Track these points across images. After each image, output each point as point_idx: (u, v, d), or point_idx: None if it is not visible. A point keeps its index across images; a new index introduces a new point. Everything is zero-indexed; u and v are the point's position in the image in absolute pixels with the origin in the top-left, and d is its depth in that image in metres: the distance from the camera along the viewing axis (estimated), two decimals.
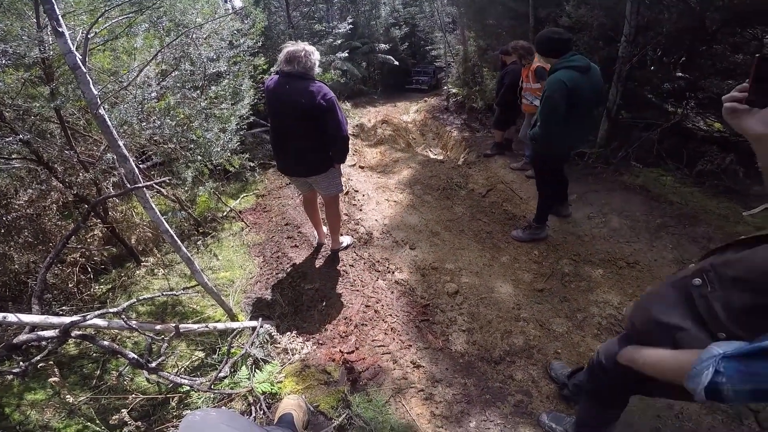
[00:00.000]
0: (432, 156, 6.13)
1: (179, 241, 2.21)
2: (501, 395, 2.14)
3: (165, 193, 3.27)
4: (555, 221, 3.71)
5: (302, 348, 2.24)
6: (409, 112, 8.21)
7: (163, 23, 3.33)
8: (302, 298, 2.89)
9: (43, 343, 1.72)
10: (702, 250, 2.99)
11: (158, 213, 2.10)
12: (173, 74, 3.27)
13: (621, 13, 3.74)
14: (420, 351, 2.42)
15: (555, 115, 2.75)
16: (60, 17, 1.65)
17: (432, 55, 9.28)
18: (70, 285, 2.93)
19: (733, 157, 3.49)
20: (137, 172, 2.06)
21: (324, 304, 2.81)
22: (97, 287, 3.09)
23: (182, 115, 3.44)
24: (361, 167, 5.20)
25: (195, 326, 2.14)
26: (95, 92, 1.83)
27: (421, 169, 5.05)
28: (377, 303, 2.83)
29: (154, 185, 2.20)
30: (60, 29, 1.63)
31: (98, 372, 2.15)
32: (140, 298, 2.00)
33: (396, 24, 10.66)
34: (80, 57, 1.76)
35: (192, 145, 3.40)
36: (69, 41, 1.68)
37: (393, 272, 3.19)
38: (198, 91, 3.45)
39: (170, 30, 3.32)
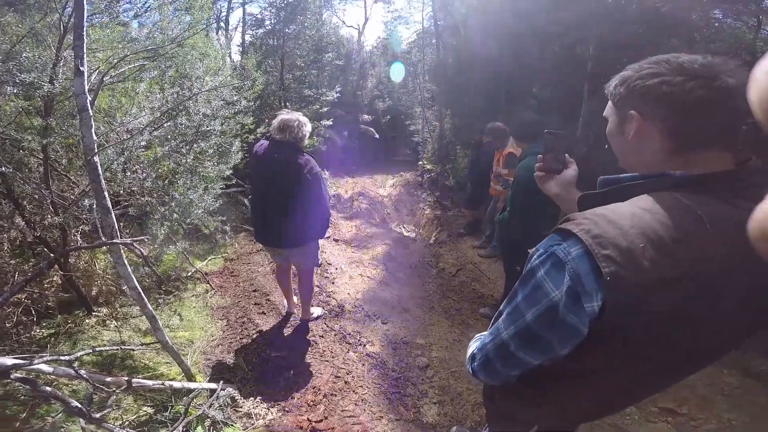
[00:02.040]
0: (405, 233, 6.43)
1: (146, 299, 2.21)
2: None
3: (140, 251, 3.26)
4: None
5: (266, 414, 2.18)
6: (385, 186, 8.71)
7: (168, 72, 3.54)
8: (268, 364, 2.84)
9: None
10: None
11: (129, 270, 2.13)
12: (166, 124, 3.42)
13: (580, 95, 4.24)
14: (391, 422, 2.40)
15: (525, 202, 2.98)
16: (84, 56, 1.78)
17: (411, 129, 9.88)
18: (8, 324, 2.76)
19: None
20: (116, 227, 2.10)
21: (291, 372, 2.77)
22: (38, 330, 2.91)
23: (166, 169, 3.57)
24: (336, 240, 5.38)
25: (150, 382, 2.08)
26: (94, 138, 1.95)
27: (395, 246, 5.30)
28: (348, 374, 2.82)
29: (134, 244, 2.22)
30: (81, 68, 1.75)
31: (24, 415, 1.98)
32: (96, 348, 1.96)
33: (380, 96, 11.48)
34: (90, 99, 1.91)
35: (172, 203, 3.49)
36: (86, 82, 1.82)
37: (364, 345, 3.22)
38: (187, 147, 3.60)
39: (175, 79, 3.53)
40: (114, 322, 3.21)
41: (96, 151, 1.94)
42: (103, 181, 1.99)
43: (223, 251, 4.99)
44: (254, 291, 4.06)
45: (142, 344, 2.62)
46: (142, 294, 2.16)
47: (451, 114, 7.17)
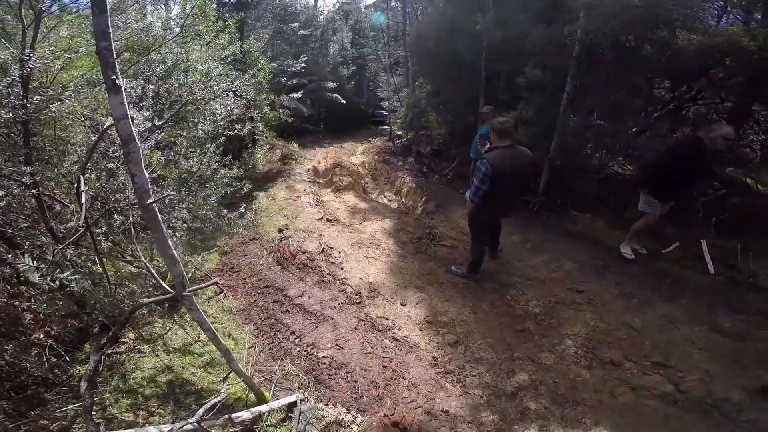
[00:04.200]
0: (386, 202, 6.70)
1: (219, 337, 2.33)
2: (525, 424, 2.64)
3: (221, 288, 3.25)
4: (520, 268, 4.45)
5: (350, 418, 2.50)
6: (356, 153, 8.76)
7: None
8: (319, 366, 3.11)
9: None
10: (639, 285, 3.91)
11: (203, 314, 2.20)
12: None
13: (567, 74, 4.66)
14: (445, 400, 2.83)
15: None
16: (116, 64, 1.45)
17: (379, 96, 9.72)
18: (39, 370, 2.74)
19: None
20: (186, 276, 2.10)
21: (344, 370, 3.07)
22: (75, 368, 2.92)
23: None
24: (329, 221, 5.52)
25: (246, 415, 2.27)
26: (147, 177, 1.69)
27: (388, 221, 5.57)
28: (391, 362, 3.18)
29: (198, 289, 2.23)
30: (119, 82, 1.45)
31: None
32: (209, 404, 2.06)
33: (344, 63, 11.23)
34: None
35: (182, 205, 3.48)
36: (125, 101, 1.51)
37: (392, 330, 3.57)
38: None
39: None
40: (145, 345, 3.28)
41: (154, 199, 1.72)
42: (164, 227, 1.89)
43: (215, 244, 4.95)
44: (266, 287, 4.21)
45: (224, 379, 2.71)
46: (216, 333, 2.29)
47: (423, 82, 7.18)
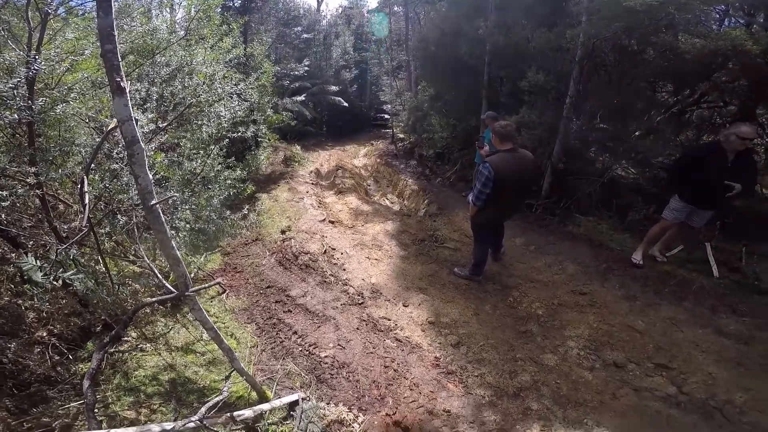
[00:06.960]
0: (389, 204, 6.72)
1: (222, 336, 2.34)
2: (527, 424, 2.64)
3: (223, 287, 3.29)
4: (523, 270, 4.46)
5: (351, 417, 2.50)
6: (358, 156, 8.82)
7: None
8: (321, 366, 3.12)
9: None
10: (642, 287, 3.91)
11: (206, 314, 2.20)
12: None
13: (569, 78, 4.69)
14: (447, 400, 2.83)
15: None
16: (120, 66, 1.44)
17: (381, 100, 9.81)
18: (41, 368, 2.76)
19: (654, 208, 4.61)
20: (188, 276, 2.10)
21: (345, 370, 3.08)
22: (77, 366, 2.94)
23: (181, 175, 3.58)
24: (332, 222, 5.55)
25: (248, 413, 2.28)
26: (151, 178, 1.68)
27: (391, 224, 5.59)
28: (392, 362, 3.18)
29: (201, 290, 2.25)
30: (123, 84, 1.43)
31: None
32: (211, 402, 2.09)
33: (346, 66, 11.38)
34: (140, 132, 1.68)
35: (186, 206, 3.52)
36: (130, 103, 1.49)
37: (394, 330, 3.58)
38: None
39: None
40: (147, 344, 3.30)
41: (157, 201, 1.78)
42: (167, 228, 1.93)
43: (217, 245, 4.98)
44: (268, 287, 4.23)
45: (226, 378, 2.73)
46: (219, 333, 2.30)
47: (425, 85, 7.24)
